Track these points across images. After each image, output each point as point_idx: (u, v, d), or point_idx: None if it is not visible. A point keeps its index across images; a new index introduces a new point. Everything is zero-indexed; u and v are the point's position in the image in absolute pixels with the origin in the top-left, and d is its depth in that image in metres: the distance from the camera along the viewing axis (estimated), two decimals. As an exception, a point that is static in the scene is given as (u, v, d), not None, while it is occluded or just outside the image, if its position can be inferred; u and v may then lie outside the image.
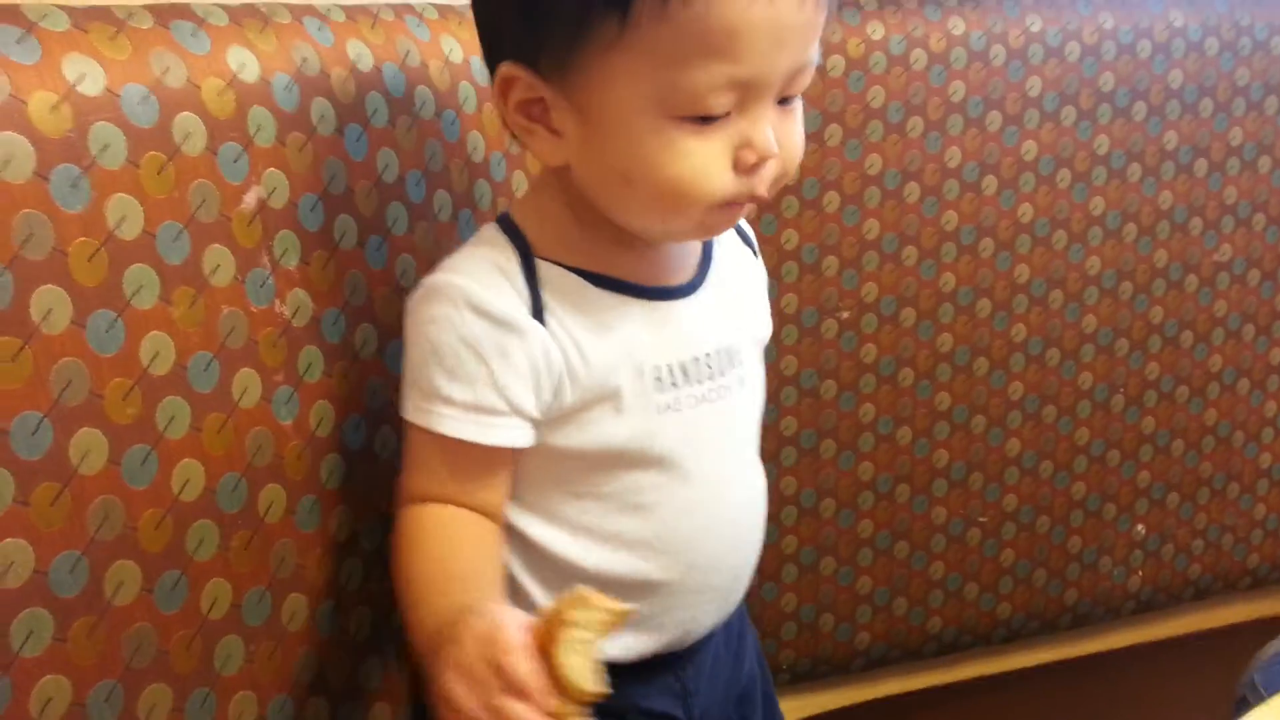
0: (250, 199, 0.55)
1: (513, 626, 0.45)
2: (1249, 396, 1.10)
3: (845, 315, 0.95)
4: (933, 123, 0.94)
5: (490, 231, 0.59)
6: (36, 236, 0.45)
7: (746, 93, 0.52)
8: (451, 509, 0.56)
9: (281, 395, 0.57)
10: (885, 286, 0.95)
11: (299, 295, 0.58)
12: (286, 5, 0.60)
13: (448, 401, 0.55)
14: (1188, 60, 1.01)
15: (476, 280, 0.55)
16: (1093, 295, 1.02)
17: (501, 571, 0.58)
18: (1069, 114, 0.98)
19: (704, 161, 0.52)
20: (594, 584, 0.46)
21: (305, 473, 0.58)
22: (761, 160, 0.53)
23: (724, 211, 0.55)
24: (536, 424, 0.57)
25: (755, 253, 0.68)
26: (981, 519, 1.03)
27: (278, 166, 0.57)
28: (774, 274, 0.92)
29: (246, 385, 0.55)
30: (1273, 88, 1.04)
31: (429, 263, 0.60)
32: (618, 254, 0.58)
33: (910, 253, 0.95)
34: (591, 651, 0.44)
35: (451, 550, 0.56)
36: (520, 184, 0.76)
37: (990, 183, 0.97)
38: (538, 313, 0.56)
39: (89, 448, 0.47)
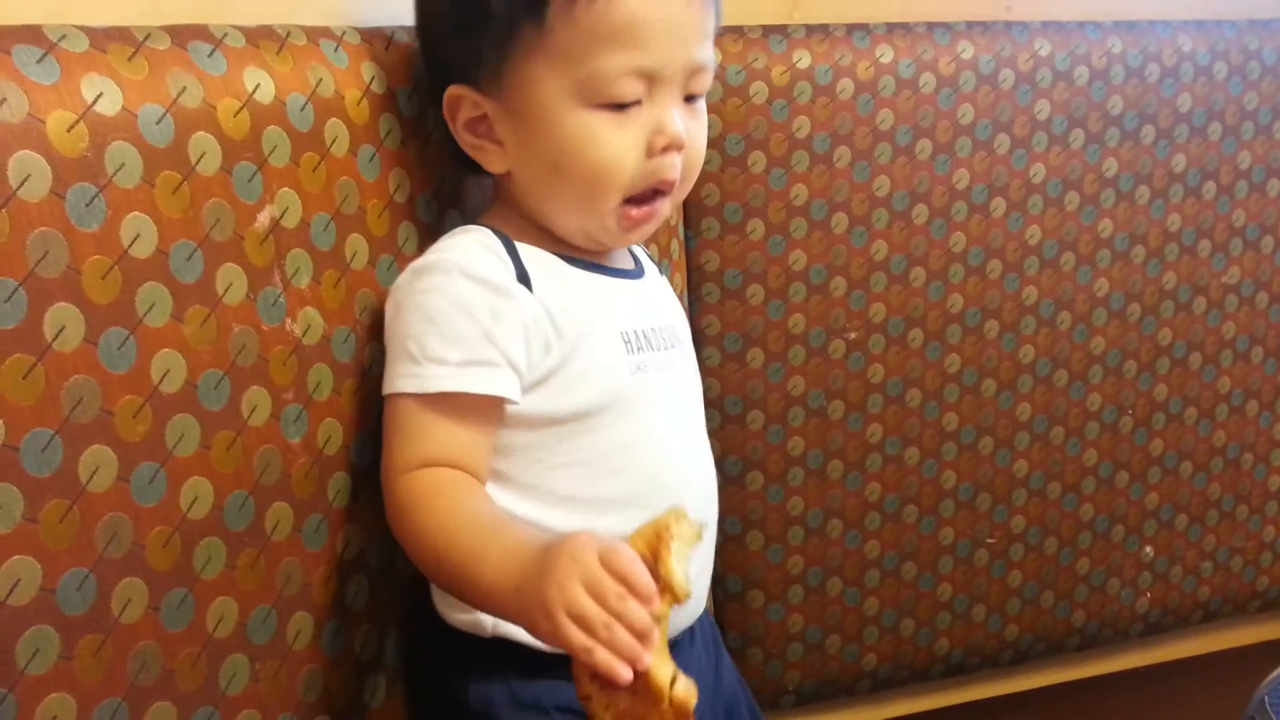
0: (263, 218, 0.56)
1: (623, 544, 0.51)
2: (1258, 418, 1.10)
3: (853, 336, 0.95)
4: (941, 145, 0.94)
5: (465, 227, 0.65)
6: (51, 255, 0.46)
7: (653, 83, 0.61)
8: (449, 469, 0.58)
9: (290, 413, 0.57)
10: (893, 307, 0.95)
11: (310, 314, 0.58)
12: (302, 28, 0.61)
13: (441, 362, 0.58)
14: (1196, 84, 1.01)
15: (466, 253, 0.61)
16: (1101, 317, 1.02)
17: None
18: (1077, 137, 0.98)
19: (621, 149, 0.61)
20: None
21: (312, 491, 0.59)
22: (671, 145, 0.61)
23: (635, 210, 0.63)
24: (524, 385, 0.60)
25: (668, 278, 0.77)
26: (989, 540, 1.02)
27: (291, 186, 0.57)
28: (780, 295, 0.93)
29: (256, 403, 0.55)
30: (1281, 112, 1.04)
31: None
32: (570, 247, 0.65)
33: (918, 274, 0.96)
34: (689, 559, 0.51)
35: (480, 500, 0.58)
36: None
37: (999, 205, 0.97)
38: (523, 280, 0.61)
39: (98, 465, 0.47)
